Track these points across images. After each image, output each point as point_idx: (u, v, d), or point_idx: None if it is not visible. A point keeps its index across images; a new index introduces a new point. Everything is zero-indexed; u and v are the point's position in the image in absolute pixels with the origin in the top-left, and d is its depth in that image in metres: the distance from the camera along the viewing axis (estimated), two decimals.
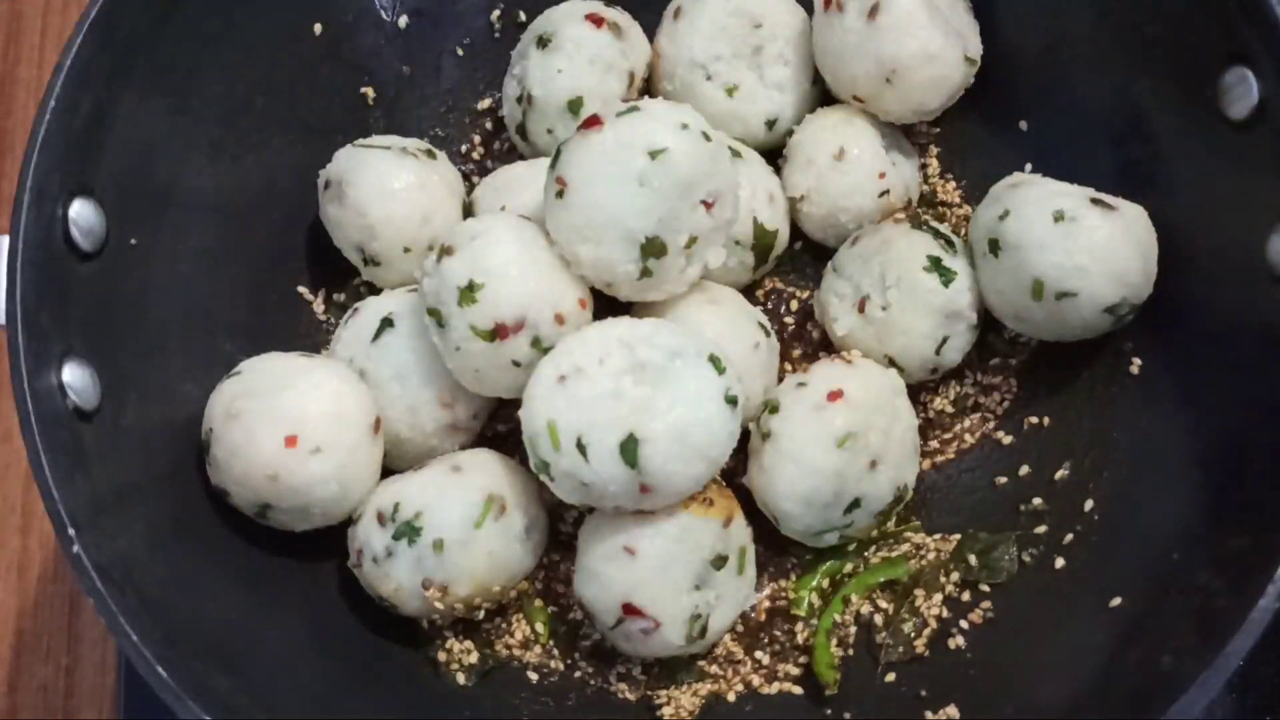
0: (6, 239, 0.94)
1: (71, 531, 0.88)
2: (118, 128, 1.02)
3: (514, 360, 1.02)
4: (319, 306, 1.21)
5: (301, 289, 1.21)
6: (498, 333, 1.01)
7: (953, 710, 1.02)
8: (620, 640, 1.04)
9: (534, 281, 1.02)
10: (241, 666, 0.95)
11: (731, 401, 0.98)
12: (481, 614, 1.08)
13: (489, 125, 1.29)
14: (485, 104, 1.29)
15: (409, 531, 1.03)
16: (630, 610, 1.01)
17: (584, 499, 1.00)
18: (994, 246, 1.08)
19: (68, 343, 0.96)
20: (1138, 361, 1.09)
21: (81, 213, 0.98)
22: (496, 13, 1.29)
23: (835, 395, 1.04)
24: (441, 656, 1.09)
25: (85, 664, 1.29)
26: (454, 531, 1.03)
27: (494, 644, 1.11)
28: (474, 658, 1.09)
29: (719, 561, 1.02)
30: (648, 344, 0.99)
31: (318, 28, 1.20)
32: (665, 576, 1.01)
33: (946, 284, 1.10)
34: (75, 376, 0.95)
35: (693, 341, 0.99)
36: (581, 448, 0.96)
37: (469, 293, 1.01)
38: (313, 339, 1.20)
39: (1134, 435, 1.07)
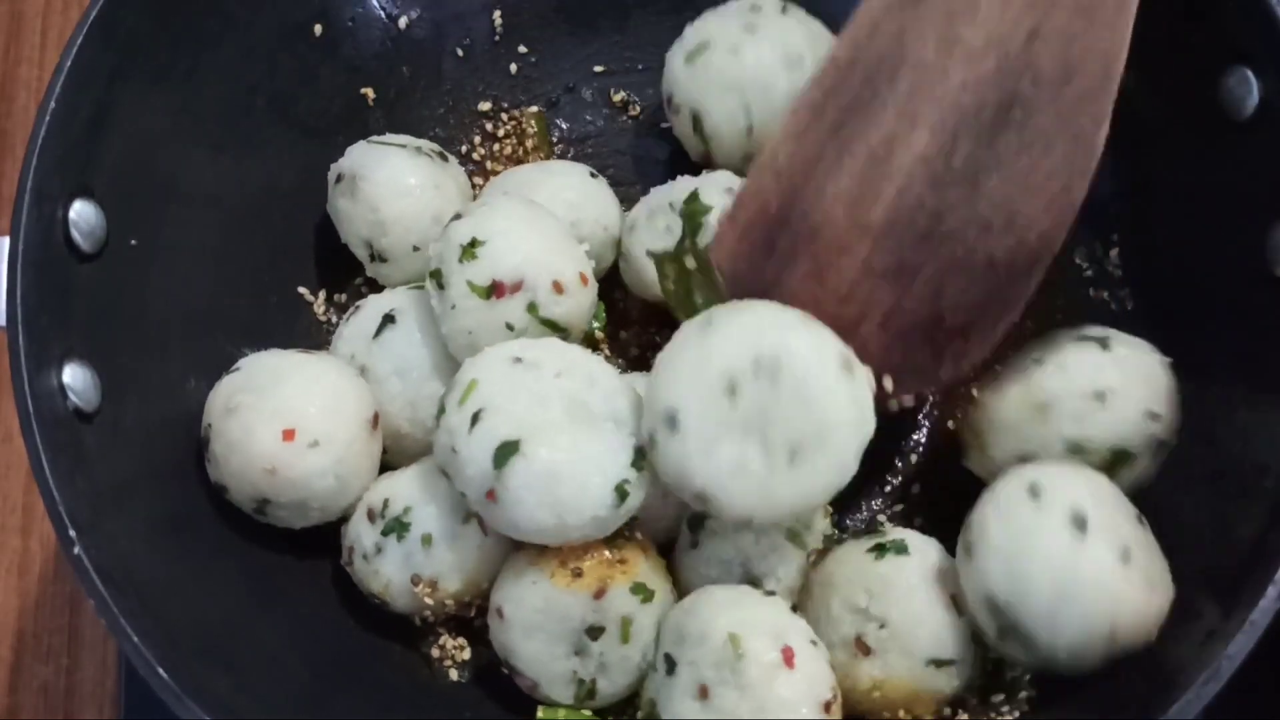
0: (7, 240, 0.94)
1: (72, 533, 0.88)
2: (118, 128, 1.02)
3: (508, 323, 1.02)
4: (319, 307, 1.21)
5: (302, 289, 1.20)
6: (494, 290, 1.01)
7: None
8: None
9: (536, 245, 1.02)
10: (241, 666, 0.95)
11: (620, 492, 0.95)
12: (473, 611, 1.07)
13: (489, 126, 1.29)
14: (485, 105, 1.29)
15: (397, 527, 1.03)
16: (509, 667, 1.01)
17: (446, 464, 0.98)
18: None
19: (68, 344, 0.96)
20: None
21: (82, 213, 0.99)
22: (497, 13, 1.29)
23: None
24: (435, 653, 1.09)
25: (86, 664, 1.29)
26: (442, 527, 1.02)
27: (488, 640, 1.10)
28: (467, 654, 1.09)
29: (594, 631, 0.98)
30: (605, 395, 0.98)
31: (318, 28, 1.20)
32: (532, 642, 0.99)
33: None
34: (76, 377, 0.95)
35: (637, 421, 0.97)
36: (476, 417, 0.95)
37: (470, 249, 1.02)
38: (313, 339, 1.20)
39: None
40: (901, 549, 0.99)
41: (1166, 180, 1.09)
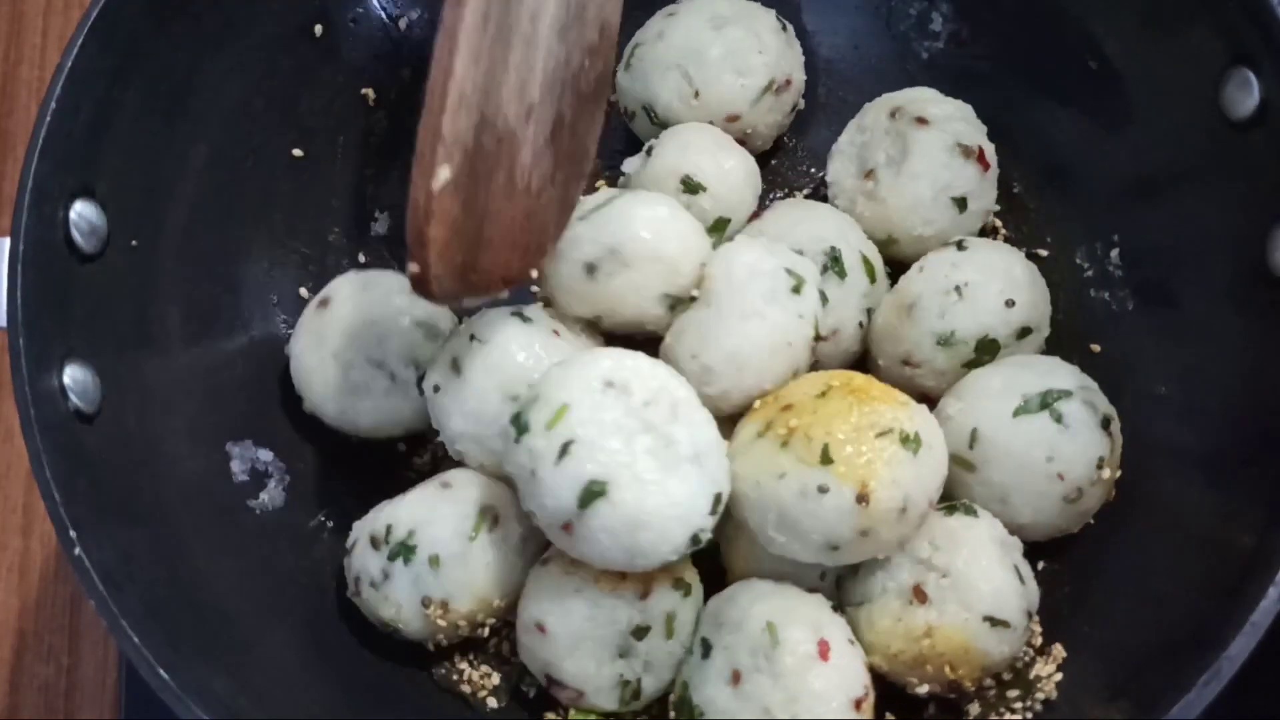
0: (8, 241, 0.94)
1: (73, 534, 0.88)
2: (118, 129, 1.02)
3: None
4: None
5: (303, 291, 1.20)
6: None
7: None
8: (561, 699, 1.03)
9: None
10: (242, 668, 0.95)
11: (694, 540, 0.94)
12: (486, 631, 1.07)
13: None
14: None
15: (404, 551, 1.02)
16: (552, 681, 1.01)
17: (521, 483, 0.95)
18: None
19: (69, 345, 0.96)
20: (1138, 362, 1.10)
21: (82, 214, 0.99)
22: None
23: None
24: (466, 689, 1.08)
25: (86, 663, 1.29)
26: (449, 546, 1.02)
27: (510, 660, 1.08)
28: (496, 679, 1.08)
29: (640, 632, 0.98)
30: (689, 430, 0.95)
31: (318, 29, 1.20)
32: (579, 652, 0.98)
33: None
34: (76, 378, 0.95)
35: (717, 466, 0.96)
36: (565, 450, 0.92)
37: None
38: None
39: (1134, 437, 1.07)
40: (971, 511, 1.01)
41: (1166, 180, 1.08)
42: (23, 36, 1.52)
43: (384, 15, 1.25)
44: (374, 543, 1.03)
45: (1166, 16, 1.05)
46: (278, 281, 1.19)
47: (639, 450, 0.93)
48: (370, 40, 1.24)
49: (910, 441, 0.94)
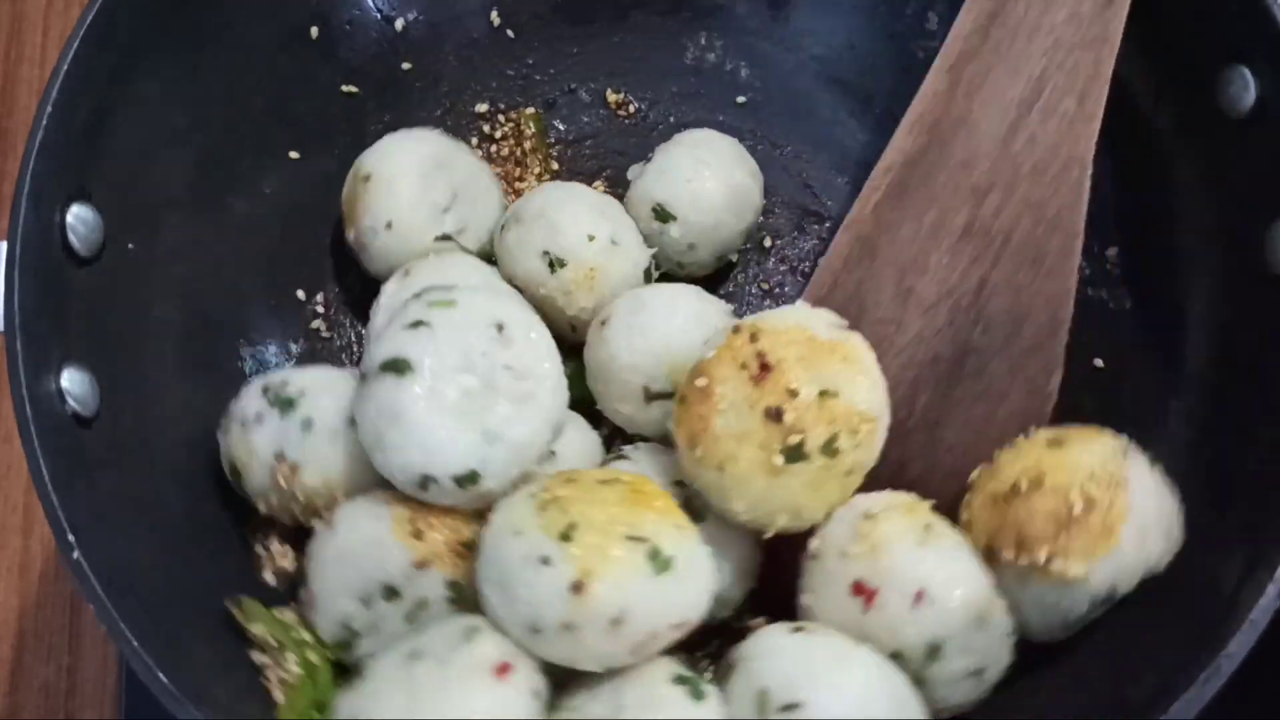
0: (4, 244, 0.94)
1: (71, 538, 0.88)
2: (116, 131, 1.02)
3: None
4: (317, 309, 1.21)
5: (299, 292, 1.21)
6: None
7: None
8: None
9: None
10: (242, 670, 0.95)
11: (421, 484, 0.93)
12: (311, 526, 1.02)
13: (486, 127, 1.29)
14: (483, 106, 1.29)
15: (283, 403, 1.01)
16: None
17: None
18: None
19: (66, 348, 0.96)
20: (1136, 361, 1.10)
21: (79, 217, 0.98)
22: (494, 14, 1.29)
23: None
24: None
25: (87, 664, 1.29)
26: (329, 419, 1.00)
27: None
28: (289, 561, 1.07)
29: (388, 592, 0.95)
30: (515, 414, 0.95)
31: (315, 30, 1.20)
32: (336, 573, 0.96)
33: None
34: (74, 382, 0.95)
35: (502, 460, 0.94)
36: (417, 324, 0.94)
37: None
38: (310, 342, 1.20)
39: (1132, 436, 1.07)
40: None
41: (1165, 179, 1.09)
42: (23, 36, 1.52)
43: (380, 16, 1.25)
44: (264, 390, 1.03)
45: (1163, 15, 1.05)
46: (275, 283, 1.19)
47: (458, 381, 0.94)
48: (366, 42, 1.24)
49: (658, 560, 0.87)
